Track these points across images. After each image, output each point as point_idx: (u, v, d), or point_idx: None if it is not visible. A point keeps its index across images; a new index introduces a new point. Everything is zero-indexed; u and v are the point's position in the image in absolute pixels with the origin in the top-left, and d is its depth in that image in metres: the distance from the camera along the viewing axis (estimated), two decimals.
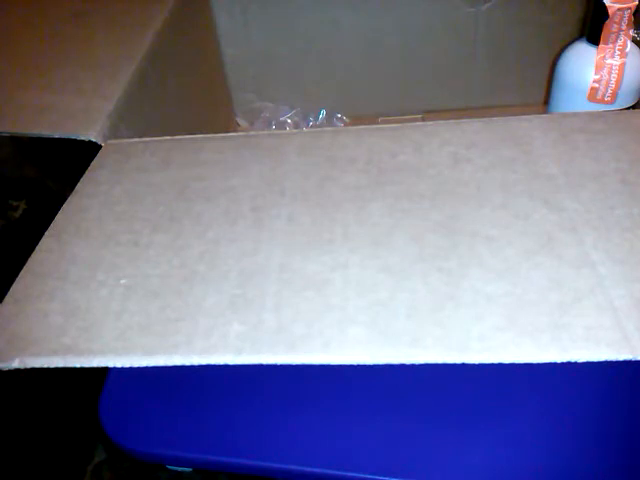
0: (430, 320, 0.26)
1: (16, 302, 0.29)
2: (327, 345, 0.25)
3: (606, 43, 0.44)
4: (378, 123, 0.69)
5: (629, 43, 0.44)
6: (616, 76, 0.45)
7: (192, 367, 0.25)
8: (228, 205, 0.33)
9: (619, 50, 0.44)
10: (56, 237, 0.33)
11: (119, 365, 0.25)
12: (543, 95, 0.66)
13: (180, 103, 0.55)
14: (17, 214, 0.52)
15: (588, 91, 0.46)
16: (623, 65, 0.45)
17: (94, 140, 0.38)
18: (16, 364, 0.26)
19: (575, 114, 0.38)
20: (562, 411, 0.32)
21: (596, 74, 0.45)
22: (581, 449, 0.31)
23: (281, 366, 0.25)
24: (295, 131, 0.61)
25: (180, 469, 0.39)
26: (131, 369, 0.25)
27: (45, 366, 0.26)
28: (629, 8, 0.42)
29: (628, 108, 0.47)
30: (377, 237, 0.30)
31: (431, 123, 0.38)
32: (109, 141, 0.39)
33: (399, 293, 0.27)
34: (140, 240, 0.32)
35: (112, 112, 0.40)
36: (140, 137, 0.40)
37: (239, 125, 0.72)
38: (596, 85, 0.46)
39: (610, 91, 0.46)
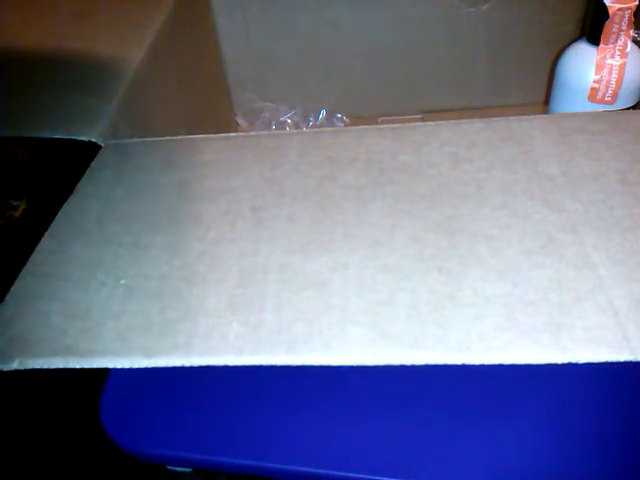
0: (430, 320, 0.26)
1: (16, 302, 0.29)
2: (327, 345, 0.25)
3: (606, 43, 0.44)
4: (378, 123, 0.69)
5: (629, 43, 0.44)
6: (616, 76, 0.45)
7: (192, 367, 0.25)
8: (228, 205, 0.33)
9: (619, 50, 0.44)
10: (56, 237, 0.33)
11: (119, 366, 0.25)
12: (543, 95, 0.66)
13: (180, 103, 0.55)
14: (17, 214, 0.52)
15: (588, 91, 0.46)
16: (623, 65, 0.45)
17: (94, 140, 0.38)
18: (16, 365, 0.26)
19: (575, 114, 0.38)
20: (562, 411, 0.32)
21: (596, 74, 0.45)
22: (581, 449, 0.31)
23: (281, 366, 0.25)
24: (295, 131, 0.61)
25: (180, 469, 0.39)
26: (131, 369, 0.25)
27: (45, 367, 0.26)
28: (629, 8, 0.42)
29: (628, 108, 0.47)
30: (377, 237, 0.30)
31: (431, 123, 0.38)
32: (109, 141, 0.39)
33: (399, 293, 0.27)
34: (140, 240, 0.32)
35: (112, 112, 0.40)
36: (140, 137, 0.40)
37: (239, 125, 0.72)
38: (596, 85, 0.46)
39: (610, 91, 0.46)
